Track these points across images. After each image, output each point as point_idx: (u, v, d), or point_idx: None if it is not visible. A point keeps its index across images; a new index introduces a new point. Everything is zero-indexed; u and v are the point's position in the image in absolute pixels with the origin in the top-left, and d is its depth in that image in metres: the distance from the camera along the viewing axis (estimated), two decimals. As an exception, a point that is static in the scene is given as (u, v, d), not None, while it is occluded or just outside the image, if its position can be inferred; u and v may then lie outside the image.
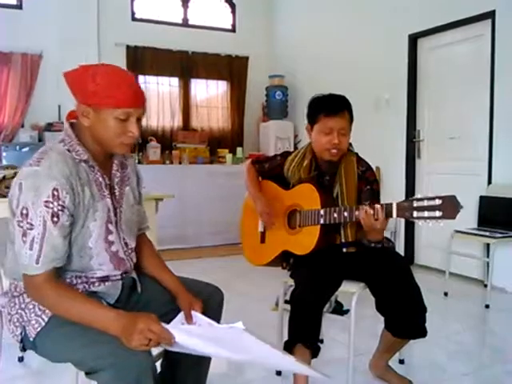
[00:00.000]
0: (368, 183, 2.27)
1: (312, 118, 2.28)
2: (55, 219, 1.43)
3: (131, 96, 1.50)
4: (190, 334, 1.46)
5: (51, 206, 1.42)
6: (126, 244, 1.67)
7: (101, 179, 1.58)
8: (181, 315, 1.67)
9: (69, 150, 1.52)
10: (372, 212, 1.94)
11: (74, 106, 1.55)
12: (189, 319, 1.65)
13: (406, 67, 5.11)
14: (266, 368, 2.58)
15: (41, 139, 6.01)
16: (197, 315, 1.66)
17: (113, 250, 1.61)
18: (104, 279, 1.61)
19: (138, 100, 1.53)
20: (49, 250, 1.43)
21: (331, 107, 2.21)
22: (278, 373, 2.53)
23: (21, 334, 1.53)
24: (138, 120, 1.54)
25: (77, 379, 1.72)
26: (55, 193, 1.43)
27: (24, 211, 1.42)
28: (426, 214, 1.80)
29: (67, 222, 1.47)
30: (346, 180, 2.26)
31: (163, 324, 1.41)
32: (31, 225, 1.42)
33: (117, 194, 1.65)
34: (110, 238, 1.60)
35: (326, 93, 2.29)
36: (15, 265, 1.50)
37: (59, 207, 1.43)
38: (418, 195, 1.85)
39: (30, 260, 1.43)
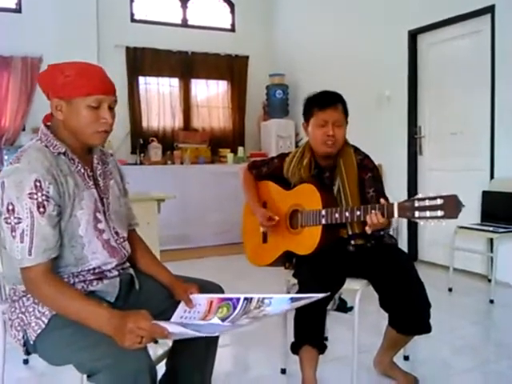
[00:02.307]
0: (368, 170, 2.28)
1: (307, 114, 2.32)
2: (41, 209, 1.45)
3: (101, 83, 1.54)
4: (181, 323, 1.48)
5: (35, 196, 1.45)
6: (116, 233, 1.69)
7: (82, 170, 1.61)
8: (181, 305, 1.69)
9: (46, 146, 1.56)
10: (375, 220, 1.94)
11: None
12: (189, 304, 1.68)
13: (407, 63, 5.10)
14: (271, 366, 2.57)
15: (42, 142, 6.03)
16: (195, 297, 1.69)
17: (104, 237, 1.63)
18: (101, 276, 1.62)
19: (108, 87, 1.56)
20: (39, 240, 1.45)
21: (324, 100, 2.25)
22: (283, 371, 2.53)
23: (23, 337, 1.54)
24: (111, 109, 1.57)
25: (82, 382, 1.72)
26: (37, 184, 1.45)
27: (10, 207, 1.45)
28: (427, 213, 1.80)
29: (54, 212, 1.48)
30: (347, 172, 2.27)
31: (161, 320, 1.42)
32: (19, 219, 1.44)
33: (101, 185, 1.67)
34: (100, 226, 1.62)
35: (322, 90, 2.33)
36: (11, 269, 1.52)
37: (44, 197, 1.46)
38: (419, 194, 1.85)
39: (23, 252, 1.44)
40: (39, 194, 1.45)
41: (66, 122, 1.56)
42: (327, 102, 2.24)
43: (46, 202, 1.46)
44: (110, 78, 1.60)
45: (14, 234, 1.45)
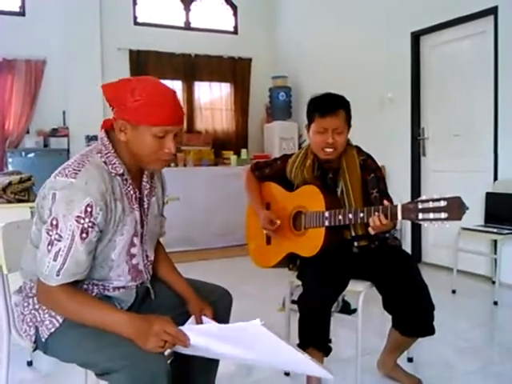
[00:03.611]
0: (371, 171, 2.27)
1: (309, 118, 2.30)
2: (84, 235, 1.42)
3: (170, 114, 1.47)
4: (205, 334, 1.46)
5: (82, 221, 1.41)
6: (146, 256, 1.68)
7: (132, 192, 1.57)
8: (191, 320, 1.68)
9: (105, 163, 1.50)
10: (378, 222, 1.93)
11: (111, 115, 1.52)
12: (199, 324, 1.66)
13: (409, 65, 5.10)
14: (277, 369, 2.58)
15: (46, 145, 6.05)
16: (207, 320, 1.67)
17: (133, 262, 1.61)
18: (119, 287, 1.62)
19: (177, 117, 1.50)
20: (72, 264, 1.42)
21: (325, 107, 2.21)
22: (287, 373, 2.53)
23: (34, 334, 1.53)
24: (176, 136, 1.52)
25: (85, 382, 1.73)
26: (88, 209, 1.41)
27: (54, 222, 1.41)
28: (431, 215, 1.79)
29: (95, 239, 1.46)
30: (350, 174, 2.26)
31: (181, 327, 1.42)
32: (60, 236, 1.41)
33: (145, 205, 1.64)
34: (133, 250, 1.60)
35: (326, 92, 2.30)
36: (31, 265, 1.49)
37: (90, 224, 1.42)
38: (423, 196, 1.84)
39: (51, 271, 1.42)
40: (86, 220, 1.41)
41: (128, 144, 1.50)
42: (328, 108, 2.20)
43: (90, 229, 1.42)
44: (181, 105, 1.53)
45: (49, 248, 1.42)
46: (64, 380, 2.43)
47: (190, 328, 1.46)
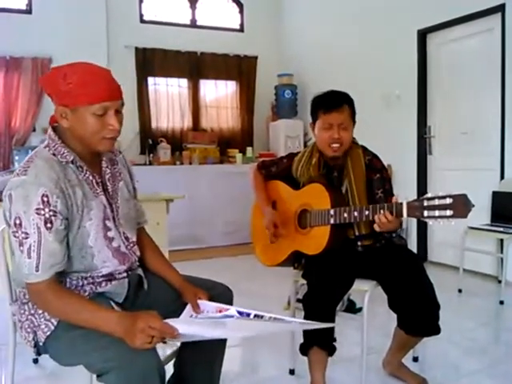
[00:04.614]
0: (376, 171, 2.27)
1: (313, 116, 2.31)
2: (49, 225, 1.43)
3: (105, 89, 1.48)
4: (191, 324, 1.49)
5: (43, 212, 1.43)
6: (126, 238, 1.68)
7: (91, 177, 1.58)
8: (188, 307, 1.69)
9: (54, 154, 1.52)
10: (384, 219, 1.93)
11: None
12: (196, 309, 1.68)
13: (416, 63, 5.07)
14: (280, 367, 2.58)
15: (52, 142, 6.06)
16: (203, 303, 1.69)
17: (114, 245, 1.62)
18: (110, 278, 1.62)
19: (113, 92, 1.51)
20: (47, 256, 1.44)
21: (329, 103, 2.23)
22: (292, 371, 2.53)
23: (33, 339, 1.55)
24: (118, 112, 1.53)
25: (91, 381, 1.73)
26: (45, 199, 1.43)
27: (17, 221, 1.43)
28: (436, 213, 1.78)
29: (61, 227, 1.47)
30: (354, 172, 2.26)
31: (167, 319, 1.42)
32: (26, 234, 1.43)
33: (110, 190, 1.65)
34: (110, 234, 1.61)
35: (329, 90, 2.31)
36: (21, 273, 1.51)
37: (51, 213, 1.44)
38: (428, 194, 1.83)
39: (30, 268, 1.43)
40: (46, 210, 1.43)
41: (71, 129, 1.52)
42: (332, 104, 2.22)
43: (53, 218, 1.44)
44: (116, 80, 1.54)
45: (21, 248, 1.44)
46: (69, 378, 2.43)
47: (174, 320, 1.47)
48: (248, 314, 1.58)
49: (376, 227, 1.98)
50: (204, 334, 1.48)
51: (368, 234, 2.21)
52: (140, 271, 1.75)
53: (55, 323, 1.50)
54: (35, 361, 2.66)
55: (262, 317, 1.55)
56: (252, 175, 2.55)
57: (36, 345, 1.55)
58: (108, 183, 1.65)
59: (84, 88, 1.46)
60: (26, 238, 1.43)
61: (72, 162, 1.54)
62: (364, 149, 2.34)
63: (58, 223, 1.46)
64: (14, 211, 1.44)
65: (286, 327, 1.55)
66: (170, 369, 1.78)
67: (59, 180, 1.47)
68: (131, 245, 1.70)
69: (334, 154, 2.24)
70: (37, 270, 1.43)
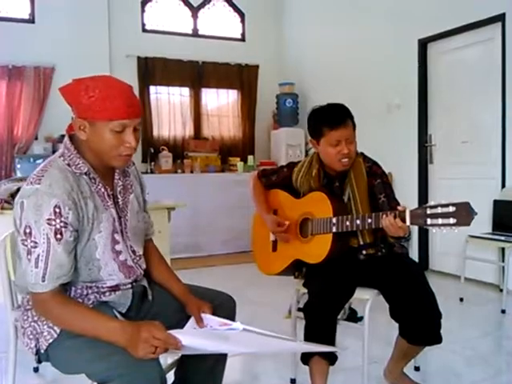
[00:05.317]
0: (377, 177, 2.27)
1: (316, 132, 2.26)
2: (58, 236, 1.43)
3: (125, 107, 1.47)
4: (194, 335, 1.48)
5: (54, 223, 1.42)
6: (133, 252, 1.68)
7: (103, 190, 1.58)
8: (191, 320, 1.68)
9: (69, 165, 1.52)
10: (393, 222, 1.92)
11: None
12: (199, 323, 1.66)
13: (417, 72, 5.09)
14: (281, 376, 2.57)
15: (54, 151, 6.06)
16: (207, 317, 1.68)
17: (121, 259, 1.62)
18: (115, 288, 1.62)
19: (133, 110, 1.50)
20: (54, 267, 1.44)
21: (334, 119, 2.20)
22: (293, 381, 2.52)
23: (35, 346, 1.54)
24: (135, 130, 1.53)
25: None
26: (57, 210, 1.43)
27: (27, 230, 1.43)
28: (439, 221, 1.78)
29: (71, 238, 1.47)
30: (356, 181, 2.26)
31: (171, 330, 1.42)
32: (35, 243, 1.43)
33: (120, 202, 1.64)
34: (117, 247, 1.60)
35: (324, 104, 2.30)
36: (24, 280, 1.51)
37: (62, 224, 1.43)
38: (431, 202, 1.83)
39: (36, 278, 1.43)
40: (58, 221, 1.42)
41: (88, 142, 1.51)
42: (337, 120, 2.19)
43: (63, 229, 1.44)
44: (136, 97, 1.54)
45: (29, 257, 1.43)
46: (70, 386, 2.44)
47: (178, 331, 1.46)
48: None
49: (388, 232, 1.96)
50: (207, 348, 1.48)
51: (372, 242, 2.21)
52: (145, 282, 1.74)
53: (58, 331, 1.50)
54: (36, 369, 2.65)
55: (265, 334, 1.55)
56: (252, 184, 2.54)
57: (37, 352, 1.55)
58: (119, 196, 1.64)
59: (105, 104, 1.45)
60: (35, 247, 1.43)
61: (86, 173, 1.54)
62: (364, 156, 2.34)
63: (68, 235, 1.45)
64: (25, 219, 1.43)
65: (288, 346, 1.54)
66: (170, 377, 1.78)
67: (72, 191, 1.47)
68: (138, 258, 1.70)
69: (344, 168, 2.24)
70: (43, 280, 1.43)
